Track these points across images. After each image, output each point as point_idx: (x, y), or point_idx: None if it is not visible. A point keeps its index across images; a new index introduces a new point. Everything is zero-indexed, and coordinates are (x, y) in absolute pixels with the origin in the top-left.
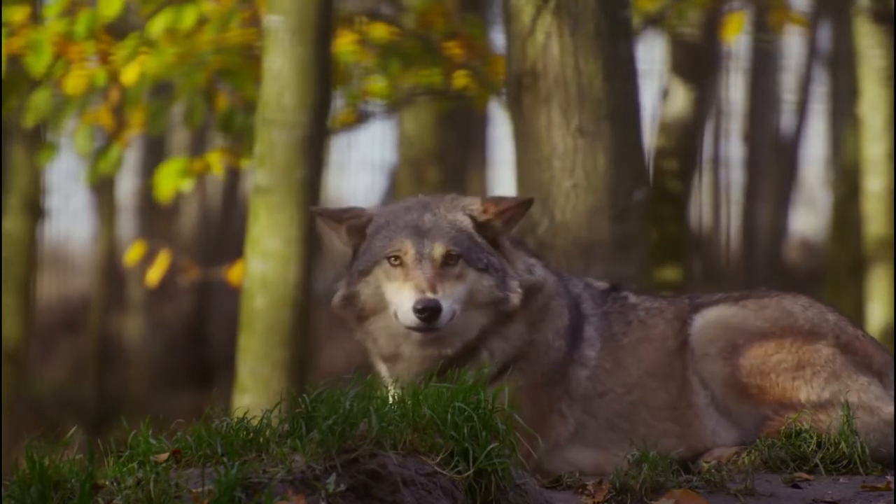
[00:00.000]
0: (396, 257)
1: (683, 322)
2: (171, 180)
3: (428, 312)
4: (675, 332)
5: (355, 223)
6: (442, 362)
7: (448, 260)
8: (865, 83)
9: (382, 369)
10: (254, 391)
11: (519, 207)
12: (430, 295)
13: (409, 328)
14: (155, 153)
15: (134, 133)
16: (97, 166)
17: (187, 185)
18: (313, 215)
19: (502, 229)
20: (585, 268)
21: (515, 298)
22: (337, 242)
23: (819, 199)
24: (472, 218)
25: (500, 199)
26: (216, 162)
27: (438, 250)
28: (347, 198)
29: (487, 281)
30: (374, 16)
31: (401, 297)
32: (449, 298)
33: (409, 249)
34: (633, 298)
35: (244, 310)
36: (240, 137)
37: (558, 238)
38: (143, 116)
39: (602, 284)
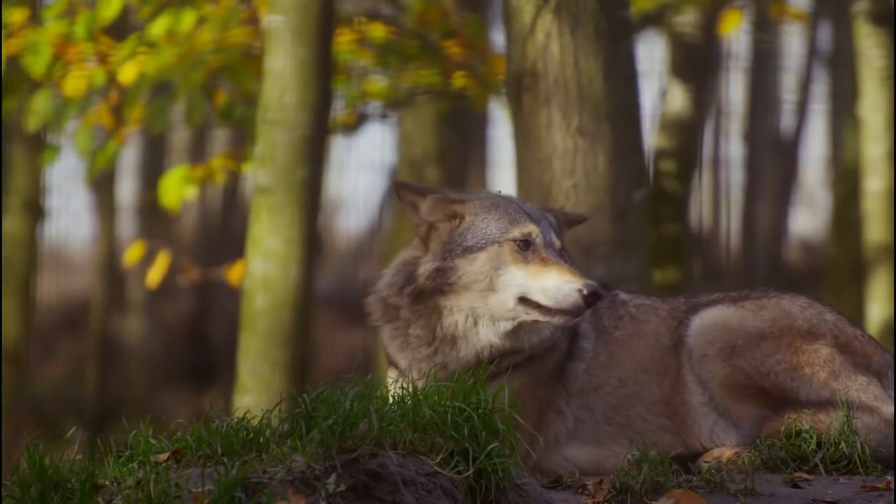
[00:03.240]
0: (526, 241)
1: (679, 321)
2: (176, 189)
3: (595, 298)
4: (669, 329)
5: (442, 198)
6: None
7: (562, 251)
8: (865, 83)
9: (403, 358)
10: (254, 391)
11: (581, 221)
12: (589, 279)
13: (559, 310)
14: (155, 153)
15: (132, 130)
16: (95, 163)
17: (191, 193)
18: (397, 188)
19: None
20: (585, 268)
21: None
22: (412, 218)
23: (819, 199)
24: (558, 220)
25: (566, 213)
26: (218, 168)
27: (557, 242)
28: (348, 198)
29: None
30: (373, 16)
31: (552, 280)
32: None
33: (538, 235)
34: (623, 296)
35: (245, 310)
36: (240, 139)
37: None
38: (142, 114)
39: None
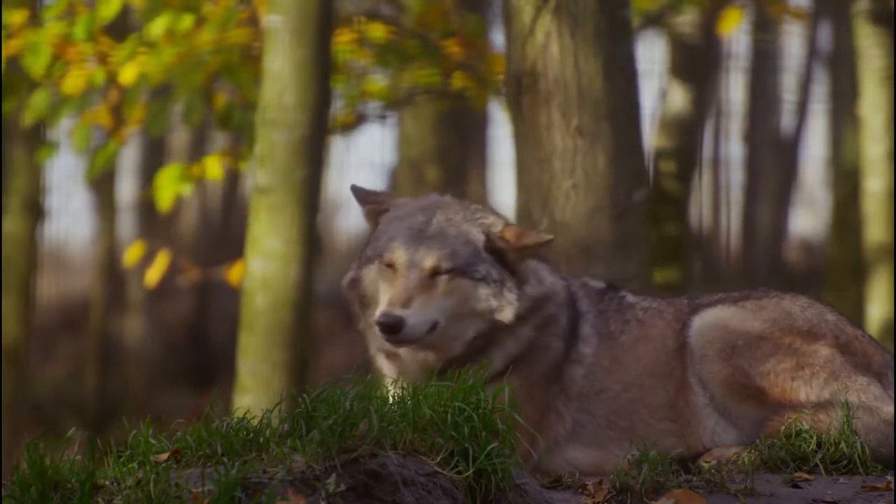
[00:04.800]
0: (390, 261)
1: (683, 323)
2: (170, 187)
3: (385, 327)
4: (674, 332)
5: (374, 209)
6: (442, 363)
7: (437, 271)
8: (865, 83)
9: (383, 364)
10: (254, 391)
11: (539, 247)
12: (395, 311)
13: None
14: (155, 153)
15: (131, 130)
16: (95, 162)
17: (187, 190)
18: (352, 191)
19: (514, 259)
20: (585, 268)
21: (509, 311)
22: None
23: (819, 199)
24: (488, 237)
25: (522, 233)
26: (215, 166)
27: (429, 261)
28: (348, 198)
29: (484, 290)
30: (372, 15)
31: (379, 302)
32: (425, 312)
33: (401, 256)
34: (630, 298)
35: (244, 310)
36: (239, 139)
37: (558, 238)
38: (142, 114)
39: (599, 283)
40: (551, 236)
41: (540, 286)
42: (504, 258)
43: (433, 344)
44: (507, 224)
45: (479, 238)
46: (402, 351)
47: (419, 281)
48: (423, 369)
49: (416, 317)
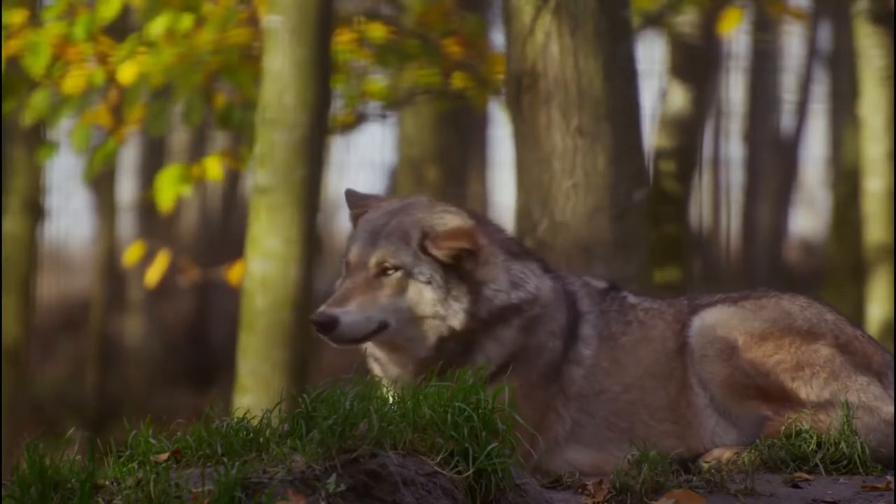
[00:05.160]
0: (347, 261)
1: (683, 324)
2: (170, 187)
3: (317, 325)
4: (674, 333)
5: (357, 212)
6: (441, 365)
7: (384, 269)
8: (865, 83)
9: (373, 366)
10: (254, 391)
11: (463, 253)
12: (330, 309)
13: None
14: (155, 153)
15: (131, 130)
16: (94, 161)
17: (187, 190)
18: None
19: (443, 262)
20: (585, 268)
21: (455, 320)
22: None
23: (819, 199)
24: (424, 235)
25: (445, 236)
26: (215, 166)
27: (374, 259)
28: None
29: (430, 294)
30: (372, 15)
31: None
32: (366, 311)
33: (353, 256)
34: (632, 299)
35: (244, 310)
36: (239, 139)
37: (558, 238)
38: (142, 114)
39: (601, 283)
40: (469, 245)
41: (518, 290)
42: (441, 260)
43: (393, 344)
44: (445, 230)
45: (417, 235)
46: (379, 353)
47: (365, 280)
48: (402, 371)
49: (352, 315)
